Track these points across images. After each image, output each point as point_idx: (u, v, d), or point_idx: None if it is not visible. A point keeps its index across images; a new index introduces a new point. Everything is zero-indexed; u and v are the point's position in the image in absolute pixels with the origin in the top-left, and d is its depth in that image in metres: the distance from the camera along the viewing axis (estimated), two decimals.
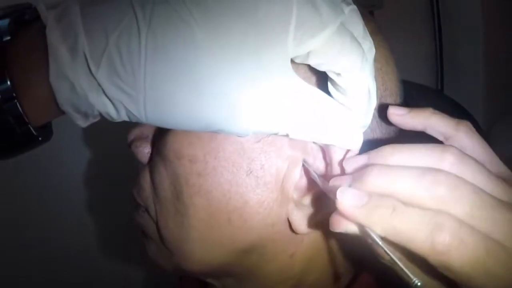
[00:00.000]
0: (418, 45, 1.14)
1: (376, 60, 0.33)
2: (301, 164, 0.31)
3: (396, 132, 0.34)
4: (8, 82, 0.25)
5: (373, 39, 0.34)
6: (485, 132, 1.09)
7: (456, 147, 0.25)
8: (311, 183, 0.32)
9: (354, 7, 0.28)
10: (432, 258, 0.22)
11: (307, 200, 0.31)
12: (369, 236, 0.23)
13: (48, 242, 0.75)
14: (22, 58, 0.26)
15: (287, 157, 0.31)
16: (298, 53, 0.25)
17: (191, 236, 0.34)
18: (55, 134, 0.32)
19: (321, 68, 0.26)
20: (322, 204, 0.31)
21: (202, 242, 0.34)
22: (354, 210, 0.24)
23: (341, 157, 0.29)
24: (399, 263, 0.23)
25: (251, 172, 0.31)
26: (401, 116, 0.30)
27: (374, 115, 0.32)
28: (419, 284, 0.22)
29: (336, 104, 0.27)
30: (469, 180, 0.24)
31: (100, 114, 0.27)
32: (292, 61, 0.26)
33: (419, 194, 0.24)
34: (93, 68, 0.24)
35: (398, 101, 0.35)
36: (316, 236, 0.34)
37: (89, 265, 0.79)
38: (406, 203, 0.24)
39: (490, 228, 0.23)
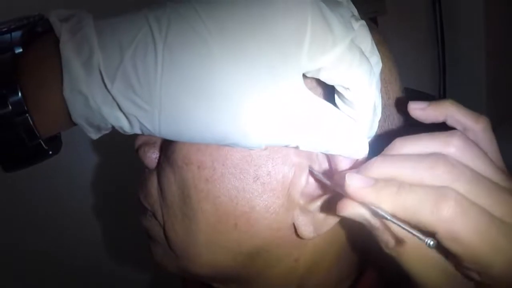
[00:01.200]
0: (421, 51, 1.15)
1: (380, 71, 0.34)
2: (307, 171, 0.32)
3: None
4: (20, 95, 0.25)
5: (379, 50, 0.35)
6: None
7: (461, 132, 0.26)
8: (317, 189, 0.32)
9: (363, 22, 0.29)
10: (439, 227, 0.23)
11: (313, 206, 0.32)
12: (378, 213, 0.24)
13: (55, 245, 0.75)
14: (34, 71, 0.26)
15: (293, 164, 0.32)
16: (310, 69, 0.26)
17: (198, 240, 0.34)
18: (63, 138, 0.32)
19: (330, 82, 0.27)
20: (328, 209, 0.32)
21: (208, 246, 0.35)
22: (363, 190, 0.25)
23: (346, 166, 0.30)
24: (409, 229, 0.23)
25: (258, 179, 0.32)
26: (422, 110, 0.31)
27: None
28: (431, 243, 0.23)
29: (344, 117, 0.28)
30: (470, 165, 0.25)
31: (113, 127, 0.27)
32: (303, 74, 0.27)
33: (421, 175, 0.25)
34: (108, 83, 0.24)
35: (402, 109, 0.36)
36: (320, 241, 0.35)
37: (96, 268, 0.79)
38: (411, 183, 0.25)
39: (489, 205, 0.24)
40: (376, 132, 0.33)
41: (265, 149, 0.31)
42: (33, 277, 0.75)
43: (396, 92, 0.36)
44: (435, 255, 0.26)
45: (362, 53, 0.27)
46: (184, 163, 0.33)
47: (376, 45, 0.34)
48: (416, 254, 0.26)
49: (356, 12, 0.29)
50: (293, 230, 0.33)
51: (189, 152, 0.33)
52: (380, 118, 0.34)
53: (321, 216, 0.32)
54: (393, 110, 0.35)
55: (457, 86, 1.16)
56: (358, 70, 0.26)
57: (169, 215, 0.36)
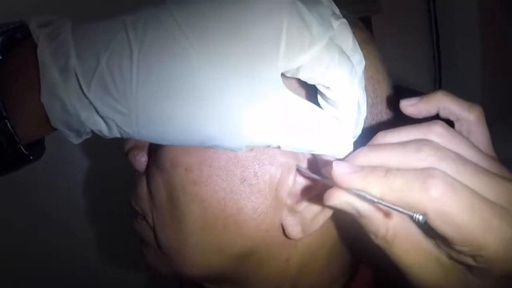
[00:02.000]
0: (416, 49, 1.15)
1: (366, 69, 0.34)
2: (294, 171, 0.32)
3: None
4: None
5: (364, 48, 0.34)
6: None
7: (442, 122, 0.26)
8: (305, 190, 0.32)
9: (344, 20, 0.29)
10: (429, 207, 0.22)
11: (301, 206, 0.32)
12: (366, 198, 0.24)
13: (49, 249, 0.75)
14: (13, 77, 0.26)
15: (280, 164, 0.32)
16: (289, 68, 0.26)
17: (188, 242, 0.35)
18: (54, 142, 0.33)
19: (311, 82, 0.27)
20: (316, 209, 0.32)
21: (199, 248, 0.35)
22: (349, 175, 0.24)
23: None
24: (398, 207, 0.23)
25: (245, 180, 0.32)
26: (414, 106, 0.30)
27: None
28: (421, 218, 0.22)
29: (326, 116, 0.28)
30: (454, 150, 0.25)
31: (92, 131, 0.27)
32: (283, 74, 0.27)
33: (406, 160, 0.24)
34: (84, 88, 0.24)
35: (391, 107, 0.36)
36: (310, 241, 0.35)
37: (90, 271, 0.79)
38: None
39: (478, 186, 0.23)
40: (364, 131, 0.33)
41: (251, 150, 0.31)
42: (27, 281, 0.75)
43: (384, 90, 0.35)
44: (426, 244, 0.25)
45: (342, 51, 0.27)
46: (171, 166, 0.33)
47: (362, 43, 0.34)
48: (406, 243, 0.25)
49: (337, 11, 0.29)
50: (281, 230, 0.33)
51: (176, 155, 0.33)
52: (368, 117, 0.34)
53: (309, 216, 0.32)
54: (382, 108, 0.35)
55: (453, 83, 1.16)
56: (338, 69, 0.26)
57: (159, 218, 0.36)
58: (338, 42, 0.27)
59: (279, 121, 0.26)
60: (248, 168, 0.31)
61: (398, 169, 0.24)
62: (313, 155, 0.31)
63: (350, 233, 0.36)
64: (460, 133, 0.27)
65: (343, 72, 0.26)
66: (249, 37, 0.25)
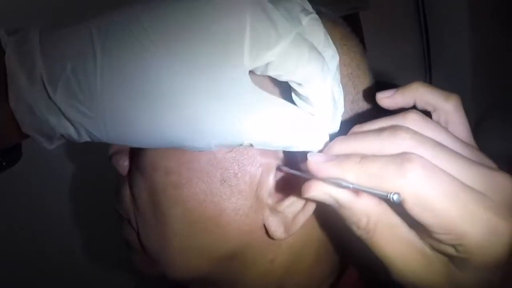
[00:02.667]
0: (406, 44, 1.15)
1: (346, 65, 0.34)
2: (274, 171, 0.31)
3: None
4: None
5: (344, 45, 0.34)
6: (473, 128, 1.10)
7: (418, 111, 0.26)
8: (285, 189, 0.32)
9: (314, 16, 0.28)
10: (406, 192, 0.22)
11: (282, 205, 0.32)
12: (342, 185, 0.23)
13: (36, 254, 0.75)
14: None
15: (260, 165, 0.31)
16: (256, 66, 0.25)
17: (171, 245, 0.34)
18: (39, 146, 0.32)
19: (281, 79, 0.26)
20: (296, 207, 0.31)
21: (182, 251, 0.34)
22: (325, 164, 0.24)
23: None
24: (373, 190, 0.23)
25: (225, 181, 0.31)
26: (390, 98, 0.30)
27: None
28: (395, 197, 0.22)
29: (299, 112, 0.28)
30: (431, 136, 0.24)
31: (63, 136, 0.27)
32: (253, 72, 0.26)
33: (382, 145, 0.24)
34: (51, 92, 0.24)
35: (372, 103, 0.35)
36: (294, 240, 0.35)
37: (80, 275, 0.79)
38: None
39: (457, 172, 0.23)
40: (346, 128, 0.33)
41: (230, 151, 0.31)
42: (13, 286, 0.74)
43: (365, 86, 0.35)
44: (408, 235, 0.25)
45: (312, 47, 0.26)
46: (152, 169, 0.33)
47: (341, 40, 0.34)
48: (388, 234, 0.24)
49: (309, 7, 0.29)
50: (264, 231, 0.33)
51: (155, 158, 0.33)
52: (349, 113, 0.34)
53: (290, 215, 0.32)
54: (363, 104, 0.35)
55: (444, 78, 1.16)
56: (308, 65, 0.26)
57: (142, 222, 0.36)
58: (308, 37, 0.27)
59: (246, 118, 0.26)
60: (228, 169, 0.31)
61: (373, 155, 0.24)
62: (292, 153, 0.31)
63: (335, 232, 0.36)
64: (433, 121, 0.27)
65: (313, 68, 0.26)
66: (212, 36, 0.24)
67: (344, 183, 0.23)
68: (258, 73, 0.26)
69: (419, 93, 0.29)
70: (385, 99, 0.30)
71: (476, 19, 1.11)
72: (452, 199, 0.22)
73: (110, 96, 0.24)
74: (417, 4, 1.15)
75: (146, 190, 0.34)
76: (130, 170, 0.37)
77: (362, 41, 1.13)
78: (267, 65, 0.25)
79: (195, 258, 0.34)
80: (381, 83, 0.38)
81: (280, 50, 0.25)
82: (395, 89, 0.29)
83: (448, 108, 0.28)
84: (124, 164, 0.38)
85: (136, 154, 0.35)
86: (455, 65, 1.14)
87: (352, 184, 0.23)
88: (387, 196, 0.22)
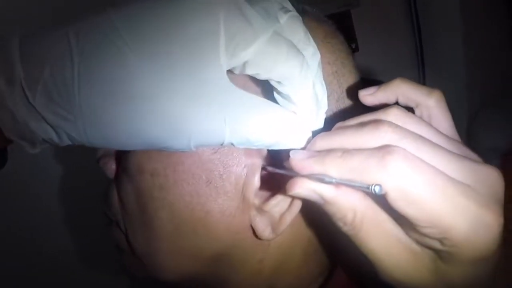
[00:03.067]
0: (398, 41, 1.15)
1: (330, 63, 0.34)
2: (259, 171, 0.31)
3: None
4: None
5: (328, 43, 0.34)
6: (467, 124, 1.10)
7: (399, 106, 0.26)
8: (271, 188, 0.32)
9: (294, 14, 0.28)
10: (388, 185, 0.21)
11: (268, 205, 0.31)
12: (325, 180, 0.23)
13: (28, 256, 0.75)
14: None
15: (245, 165, 0.31)
16: (233, 65, 0.25)
17: (159, 247, 0.34)
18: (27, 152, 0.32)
19: (260, 77, 0.26)
20: (282, 206, 0.31)
21: (171, 253, 0.34)
22: (307, 161, 0.24)
23: None
24: (355, 183, 0.22)
25: (210, 183, 0.31)
26: (372, 95, 0.30)
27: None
28: (377, 188, 0.21)
29: (280, 110, 0.28)
30: (413, 130, 0.24)
31: (46, 140, 0.27)
32: (232, 71, 0.26)
33: (364, 139, 0.24)
34: (30, 97, 0.24)
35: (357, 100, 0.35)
36: (282, 240, 0.34)
37: (72, 278, 0.79)
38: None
39: (441, 165, 0.22)
40: (330, 126, 0.33)
41: (215, 152, 0.31)
42: None
43: (351, 84, 0.35)
44: (394, 230, 0.24)
45: (291, 45, 0.26)
46: (138, 172, 0.33)
47: (326, 38, 0.34)
48: (374, 229, 0.24)
49: (289, 5, 0.29)
50: (252, 231, 0.33)
51: (141, 161, 0.33)
52: (334, 111, 0.34)
53: (277, 215, 0.32)
54: (349, 103, 0.35)
55: (437, 73, 1.16)
56: (286, 63, 0.26)
57: (130, 224, 0.36)
58: (286, 35, 0.27)
59: (227, 119, 0.25)
60: (213, 170, 0.31)
61: (355, 149, 0.23)
62: (277, 152, 0.31)
63: (323, 231, 0.36)
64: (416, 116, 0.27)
65: (292, 66, 0.26)
66: (186, 36, 0.24)
67: (327, 178, 0.23)
68: (237, 72, 0.26)
69: (401, 90, 0.28)
70: (367, 96, 0.30)
71: (468, 14, 1.11)
72: (437, 191, 0.21)
73: (88, 100, 0.24)
74: (409, 0, 1.15)
75: (133, 192, 0.34)
76: (117, 173, 0.37)
77: (353, 38, 1.13)
78: (244, 64, 0.25)
79: (184, 259, 0.34)
80: (373, 80, 0.38)
81: (256, 49, 0.25)
82: (377, 86, 0.29)
83: (431, 103, 0.28)
84: (111, 167, 0.38)
85: (123, 156, 0.35)
86: (448, 62, 1.14)
87: (334, 178, 0.23)
88: (369, 188, 0.22)
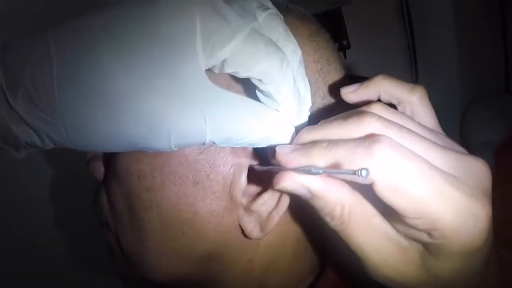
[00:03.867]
0: (390, 37, 1.15)
1: (315, 61, 0.34)
2: (246, 170, 0.31)
3: None
4: None
5: (313, 41, 0.34)
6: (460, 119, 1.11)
7: (382, 103, 0.25)
8: (258, 187, 0.32)
9: (272, 11, 0.28)
10: (376, 175, 0.21)
11: (256, 204, 0.31)
12: (312, 172, 0.23)
13: (20, 259, 0.74)
14: None
15: (232, 165, 0.31)
16: (212, 64, 0.25)
17: (149, 248, 0.34)
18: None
19: (239, 75, 0.26)
20: (270, 205, 0.31)
21: (160, 254, 0.34)
22: (293, 153, 0.24)
23: None
24: (340, 172, 0.22)
25: (197, 183, 0.31)
26: (354, 92, 0.29)
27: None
28: (363, 173, 0.21)
29: (261, 108, 0.28)
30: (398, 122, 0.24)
31: (29, 144, 0.27)
32: (212, 70, 0.26)
33: (348, 130, 0.24)
34: (11, 101, 0.24)
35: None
36: (272, 239, 0.35)
37: (65, 281, 0.79)
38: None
39: (427, 155, 0.22)
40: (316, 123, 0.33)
41: (201, 152, 0.31)
42: None
43: (337, 81, 0.35)
44: (383, 225, 0.24)
45: (270, 42, 0.26)
46: (125, 174, 0.33)
47: (310, 36, 0.34)
48: (362, 224, 0.24)
49: (268, 3, 0.29)
50: (241, 231, 0.33)
51: (128, 163, 0.33)
52: (320, 108, 0.34)
53: (264, 214, 0.32)
54: (335, 100, 0.35)
55: (429, 69, 1.17)
56: (265, 60, 0.25)
57: (120, 226, 0.36)
58: (265, 33, 0.27)
59: (206, 117, 0.25)
60: (200, 171, 0.31)
61: (341, 139, 0.23)
62: (263, 151, 0.31)
63: (312, 229, 0.36)
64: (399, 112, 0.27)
65: (271, 63, 0.26)
66: (162, 36, 0.24)
67: (314, 170, 0.23)
68: (216, 71, 0.26)
69: (383, 86, 0.28)
70: (350, 93, 0.29)
71: (460, 11, 1.12)
72: (424, 180, 0.21)
73: (68, 102, 0.24)
74: None
75: (121, 194, 0.34)
76: (106, 175, 0.37)
77: (345, 35, 1.13)
78: (223, 62, 0.25)
79: (173, 260, 0.34)
80: (363, 78, 0.38)
81: (234, 47, 0.25)
82: (359, 84, 0.29)
83: (413, 100, 0.28)
84: (100, 169, 0.38)
85: (111, 159, 0.35)
86: (440, 58, 1.15)
87: (321, 169, 0.23)
88: (355, 173, 0.21)
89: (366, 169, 0.21)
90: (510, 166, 0.78)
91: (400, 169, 0.21)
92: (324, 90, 0.34)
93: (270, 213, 0.31)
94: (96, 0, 0.27)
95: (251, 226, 0.32)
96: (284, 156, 0.24)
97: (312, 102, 0.33)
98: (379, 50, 1.09)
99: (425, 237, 0.23)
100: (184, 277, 0.36)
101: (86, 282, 0.81)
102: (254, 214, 0.32)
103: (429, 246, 0.23)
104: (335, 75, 0.35)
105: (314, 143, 0.24)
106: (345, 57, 1.03)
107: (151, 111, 0.25)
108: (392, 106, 0.28)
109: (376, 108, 0.25)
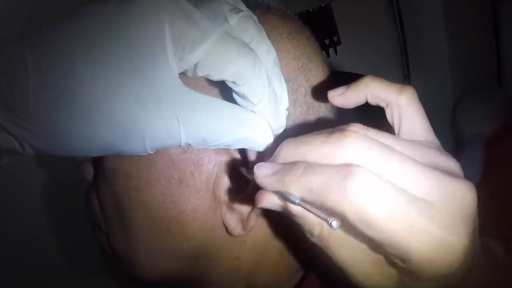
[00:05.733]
0: (381, 33, 1.15)
1: (296, 59, 0.34)
2: (229, 169, 0.32)
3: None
4: None
5: (293, 38, 0.35)
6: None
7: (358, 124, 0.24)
8: (240, 186, 0.32)
9: (245, 13, 0.28)
10: (347, 209, 0.21)
11: (239, 202, 0.32)
12: (288, 199, 0.23)
13: (13, 261, 0.75)
14: None
15: (215, 164, 0.32)
16: (184, 68, 0.26)
17: (138, 247, 0.35)
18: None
19: (213, 78, 0.27)
20: (249, 203, 0.32)
21: (149, 252, 0.35)
22: (269, 178, 0.24)
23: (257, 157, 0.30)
24: (314, 210, 0.22)
25: (182, 182, 0.32)
26: (342, 96, 0.28)
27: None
28: (334, 223, 0.21)
29: (235, 110, 0.28)
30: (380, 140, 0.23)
31: (10, 150, 0.27)
32: (185, 74, 0.27)
33: (327, 151, 0.23)
34: None
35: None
36: (258, 236, 0.35)
37: (60, 283, 0.79)
38: (318, 163, 0.23)
39: (407, 182, 0.22)
40: (300, 122, 0.34)
41: (185, 151, 0.31)
42: None
43: (319, 78, 0.36)
44: (360, 243, 0.24)
45: (242, 44, 0.26)
46: (112, 174, 0.34)
47: (290, 34, 0.35)
48: (342, 241, 0.24)
49: (242, 6, 0.29)
50: (225, 229, 0.33)
51: (115, 163, 0.33)
52: (303, 107, 0.34)
53: (245, 211, 0.32)
54: (317, 97, 0.35)
55: (421, 63, 1.17)
56: (237, 62, 0.26)
57: (110, 226, 0.37)
58: (237, 35, 0.27)
59: (180, 119, 0.26)
60: (184, 170, 0.32)
61: (318, 165, 0.23)
62: (244, 150, 0.31)
63: (294, 233, 0.36)
64: (391, 119, 0.26)
65: (243, 65, 0.26)
66: (132, 40, 0.25)
67: (291, 197, 0.23)
68: (190, 74, 0.26)
69: (370, 88, 0.27)
70: (337, 97, 0.28)
71: (451, 5, 1.12)
72: (397, 214, 0.21)
73: (44, 110, 0.25)
74: None
75: (109, 194, 0.35)
76: (95, 177, 0.38)
77: (335, 31, 1.12)
78: (195, 66, 0.26)
79: (161, 259, 0.35)
80: (335, 72, 0.38)
81: (205, 49, 0.25)
82: (345, 86, 0.28)
83: (401, 101, 0.26)
84: (89, 171, 0.38)
85: (99, 160, 0.36)
86: (432, 52, 1.15)
87: (296, 200, 0.23)
88: (327, 221, 0.21)
89: (336, 220, 0.21)
90: (500, 158, 0.79)
91: (372, 205, 0.21)
92: (306, 87, 0.34)
93: (250, 212, 0.32)
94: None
95: (234, 224, 0.33)
96: (262, 180, 0.24)
97: (294, 99, 0.34)
98: (370, 45, 1.09)
99: (399, 263, 0.23)
100: (173, 276, 0.36)
101: (79, 282, 0.82)
102: (235, 212, 0.33)
103: (403, 270, 0.23)
104: (317, 72, 0.36)
105: (291, 166, 0.23)
106: (336, 53, 1.03)
107: (124, 115, 0.25)
108: (381, 108, 0.28)
109: (357, 127, 0.23)
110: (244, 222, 0.32)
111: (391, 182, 0.22)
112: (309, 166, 0.23)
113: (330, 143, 0.23)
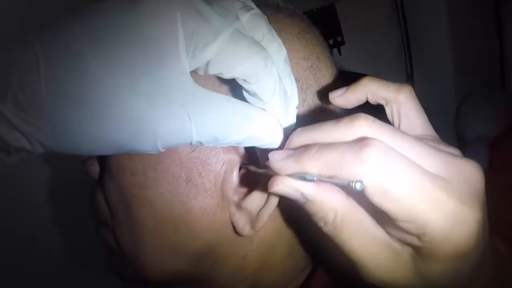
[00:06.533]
0: (384, 33, 1.15)
1: (305, 58, 0.34)
2: (238, 168, 0.32)
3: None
4: None
5: (302, 38, 0.35)
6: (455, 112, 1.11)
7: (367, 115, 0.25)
8: (249, 185, 0.32)
9: (255, 11, 0.28)
10: (366, 181, 0.21)
11: (246, 202, 0.32)
12: (305, 178, 0.23)
13: (19, 259, 0.75)
14: None
15: (223, 162, 0.32)
16: (196, 65, 0.26)
17: (144, 245, 0.35)
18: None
19: (224, 76, 0.26)
20: (260, 202, 0.32)
21: (155, 251, 0.35)
22: (285, 161, 0.24)
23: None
24: (335, 180, 0.22)
25: (190, 181, 0.32)
26: (342, 96, 0.29)
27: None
28: (358, 185, 0.21)
29: (246, 108, 0.28)
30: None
31: (19, 148, 0.27)
32: (196, 72, 0.26)
33: (340, 134, 0.23)
34: (0, 106, 0.24)
35: None
36: (266, 235, 0.35)
37: (63, 282, 0.79)
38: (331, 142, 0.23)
39: (418, 159, 0.22)
40: (310, 119, 0.34)
41: (193, 150, 0.31)
42: None
43: (328, 78, 0.35)
44: (375, 230, 0.24)
45: (253, 42, 0.26)
46: (118, 172, 0.34)
47: (299, 33, 0.35)
48: (355, 229, 0.24)
49: (252, 4, 0.29)
50: (233, 228, 0.33)
51: (121, 161, 0.33)
52: (311, 106, 0.34)
53: (255, 211, 0.32)
54: (326, 97, 0.35)
55: (424, 64, 1.17)
56: (248, 60, 0.26)
57: (116, 223, 0.36)
58: (249, 33, 0.27)
59: (191, 117, 0.26)
60: (192, 168, 0.32)
61: (331, 143, 0.23)
62: (253, 148, 0.31)
63: (304, 229, 0.36)
64: (391, 116, 0.27)
65: (254, 63, 0.26)
66: (144, 37, 0.25)
67: (308, 176, 0.23)
68: (201, 73, 0.26)
69: (369, 88, 0.28)
70: (337, 98, 0.29)
71: (454, 5, 1.12)
72: (414, 185, 0.21)
73: (55, 107, 0.25)
74: None
75: (116, 192, 0.35)
76: (101, 174, 0.37)
77: (339, 31, 1.13)
78: (207, 64, 0.25)
79: (167, 258, 0.35)
80: (356, 74, 0.38)
81: (217, 47, 0.25)
82: (346, 87, 0.29)
83: (400, 99, 0.27)
84: (95, 168, 0.38)
85: (105, 158, 0.35)
86: (435, 53, 1.15)
87: (315, 176, 0.23)
88: (350, 184, 0.21)
89: (360, 181, 0.21)
90: (504, 159, 0.79)
91: (391, 174, 0.21)
92: (315, 87, 0.34)
93: (259, 211, 0.32)
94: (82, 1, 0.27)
95: (242, 223, 0.32)
96: (276, 164, 0.24)
97: (304, 99, 0.34)
98: (374, 45, 1.10)
99: (415, 241, 0.23)
100: (179, 274, 0.36)
101: (84, 280, 0.82)
102: (244, 212, 0.32)
103: (419, 250, 0.23)
104: (326, 71, 0.35)
105: (306, 148, 0.24)
106: (340, 53, 1.03)
107: (136, 113, 0.25)
108: (380, 107, 0.28)
109: (365, 115, 0.24)
110: (253, 221, 0.32)
111: (405, 156, 0.22)
112: (324, 146, 0.23)
113: (341, 125, 0.24)
